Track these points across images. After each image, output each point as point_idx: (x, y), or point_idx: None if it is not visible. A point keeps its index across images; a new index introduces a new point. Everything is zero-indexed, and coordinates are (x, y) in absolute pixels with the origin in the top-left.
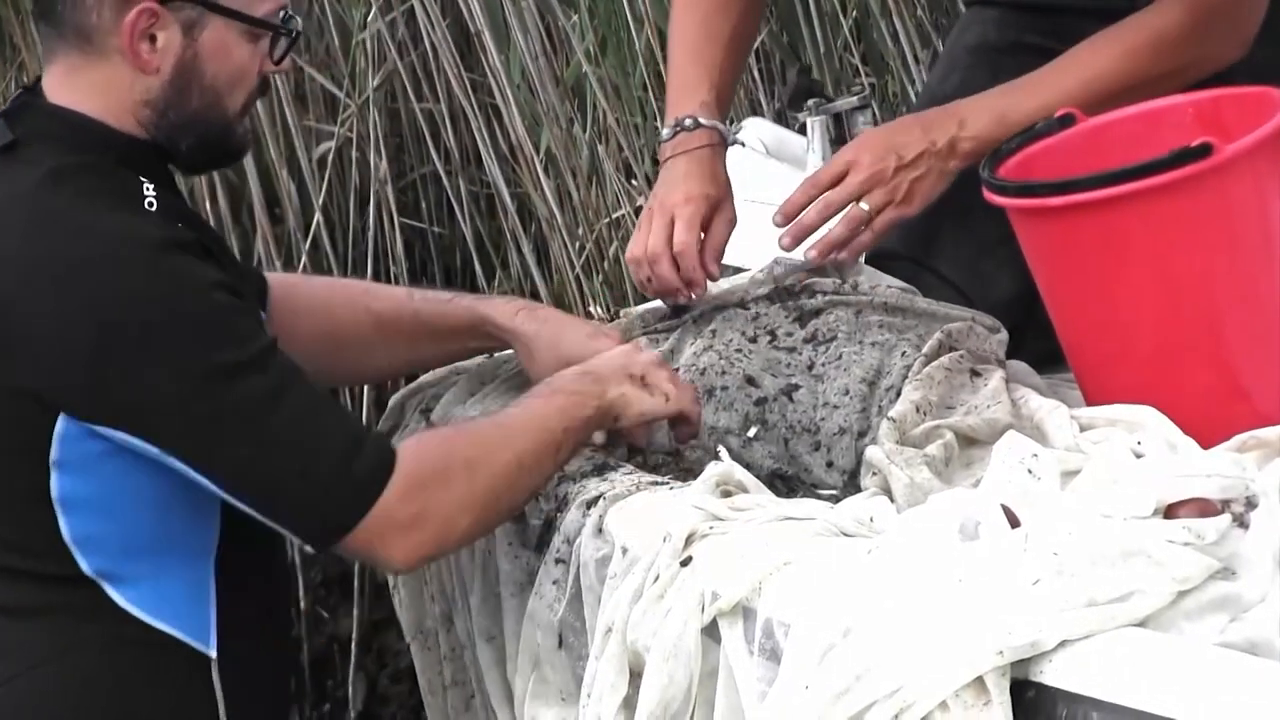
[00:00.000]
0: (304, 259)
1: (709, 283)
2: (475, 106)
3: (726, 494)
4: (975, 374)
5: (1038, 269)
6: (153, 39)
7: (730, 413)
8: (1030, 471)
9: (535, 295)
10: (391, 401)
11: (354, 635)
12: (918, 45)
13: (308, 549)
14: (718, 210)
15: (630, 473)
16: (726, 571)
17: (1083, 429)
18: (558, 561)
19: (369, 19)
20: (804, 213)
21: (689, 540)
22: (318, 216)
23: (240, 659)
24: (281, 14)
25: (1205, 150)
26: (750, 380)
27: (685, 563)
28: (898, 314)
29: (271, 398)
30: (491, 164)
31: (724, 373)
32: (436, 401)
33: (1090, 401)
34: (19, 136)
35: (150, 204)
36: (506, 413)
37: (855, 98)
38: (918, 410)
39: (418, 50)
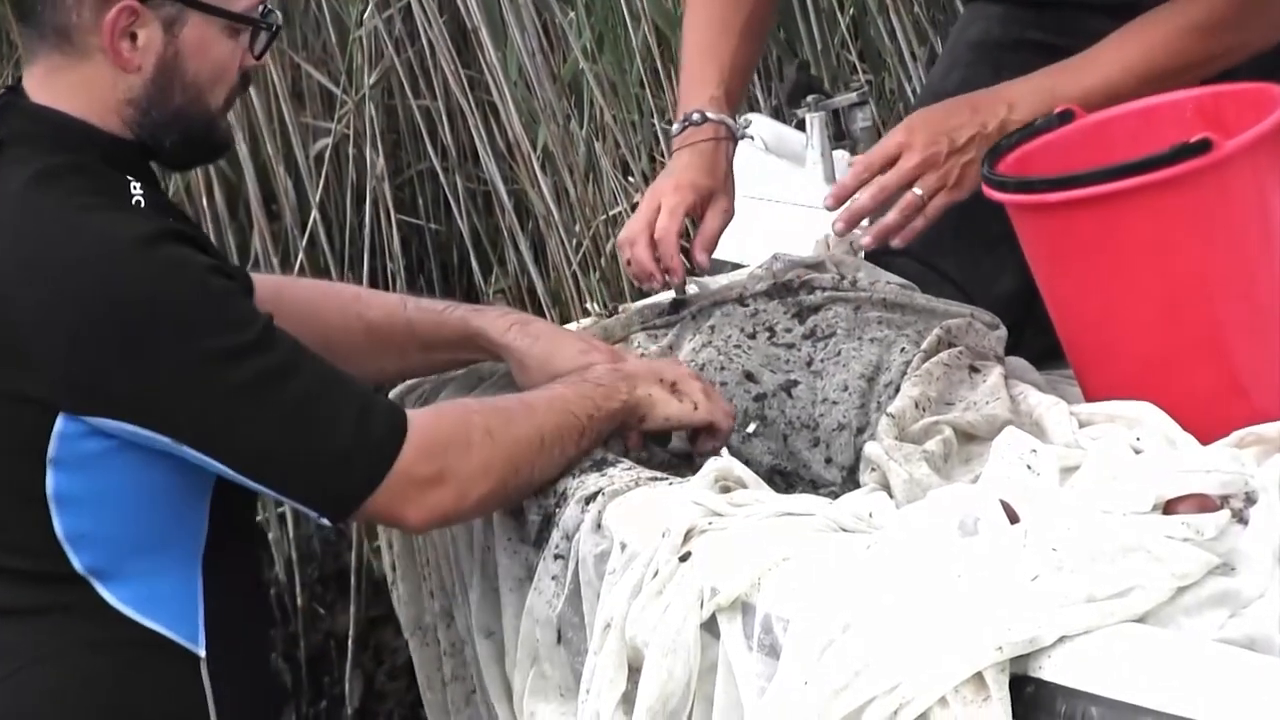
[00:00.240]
0: (301, 256)
1: (709, 279)
2: (472, 103)
3: (725, 489)
4: (974, 370)
5: (1037, 265)
6: (133, 37)
7: (730, 406)
8: (1029, 467)
9: (532, 292)
10: (392, 395)
11: (351, 632)
12: (915, 42)
13: (324, 521)
14: (711, 201)
15: (629, 468)
16: (725, 567)
17: (1082, 425)
18: (556, 557)
19: (366, 15)
20: (856, 196)
21: (688, 536)
22: (314, 213)
23: (228, 658)
24: (261, 8)
25: (1205, 146)
26: (749, 376)
27: (684, 558)
28: (897, 310)
29: (279, 375)
30: (488, 161)
31: (723, 368)
32: (437, 395)
33: (1089, 397)
34: (3, 138)
35: (138, 202)
36: (533, 392)
37: (854, 94)
38: (917, 406)
39: (414, 47)
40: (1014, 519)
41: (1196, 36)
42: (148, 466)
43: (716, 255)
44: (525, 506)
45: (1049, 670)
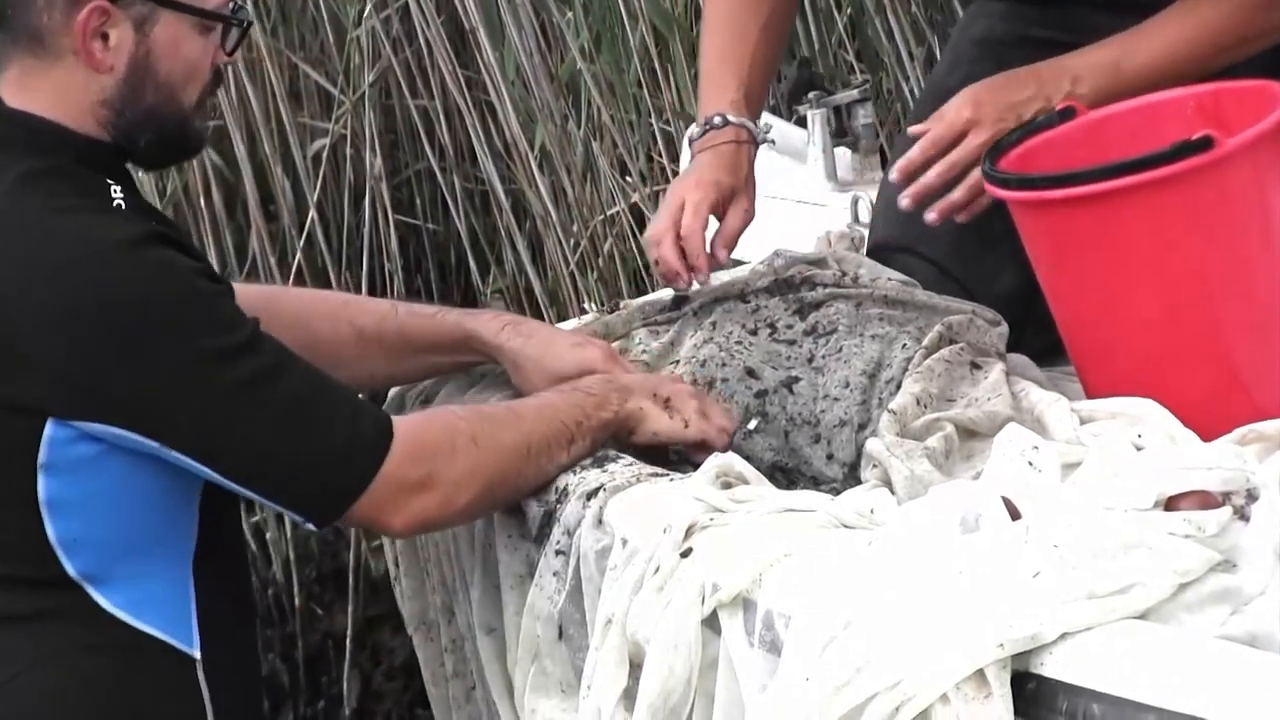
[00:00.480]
0: (298, 256)
1: (711, 274)
2: (470, 103)
3: (727, 486)
4: (975, 367)
5: (1038, 262)
6: (105, 37)
7: (730, 404)
8: (1031, 464)
9: (530, 292)
10: (391, 394)
11: (348, 632)
12: (912, 42)
13: (310, 527)
14: (733, 199)
15: (630, 464)
16: (727, 563)
17: (1083, 422)
18: (558, 553)
19: (364, 15)
20: (926, 174)
21: (689, 532)
22: (312, 213)
23: (223, 659)
24: (231, 4)
25: (1206, 143)
26: (750, 372)
27: (685, 554)
28: (898, 307)
29: (268, 377)
30: (486, 161)
31: (724, 365)
32: (436, 393)
33: (1090, 394)
34: None
35: (118, 204)
36: (523, 400)
37: (855, 90)
38: (918, 403)
39: (412, 47)
40: (1015, 515)
41: (1255, 10)
42: (137, 470)
43: None
44: (525, 503)
45: (1050, 667)
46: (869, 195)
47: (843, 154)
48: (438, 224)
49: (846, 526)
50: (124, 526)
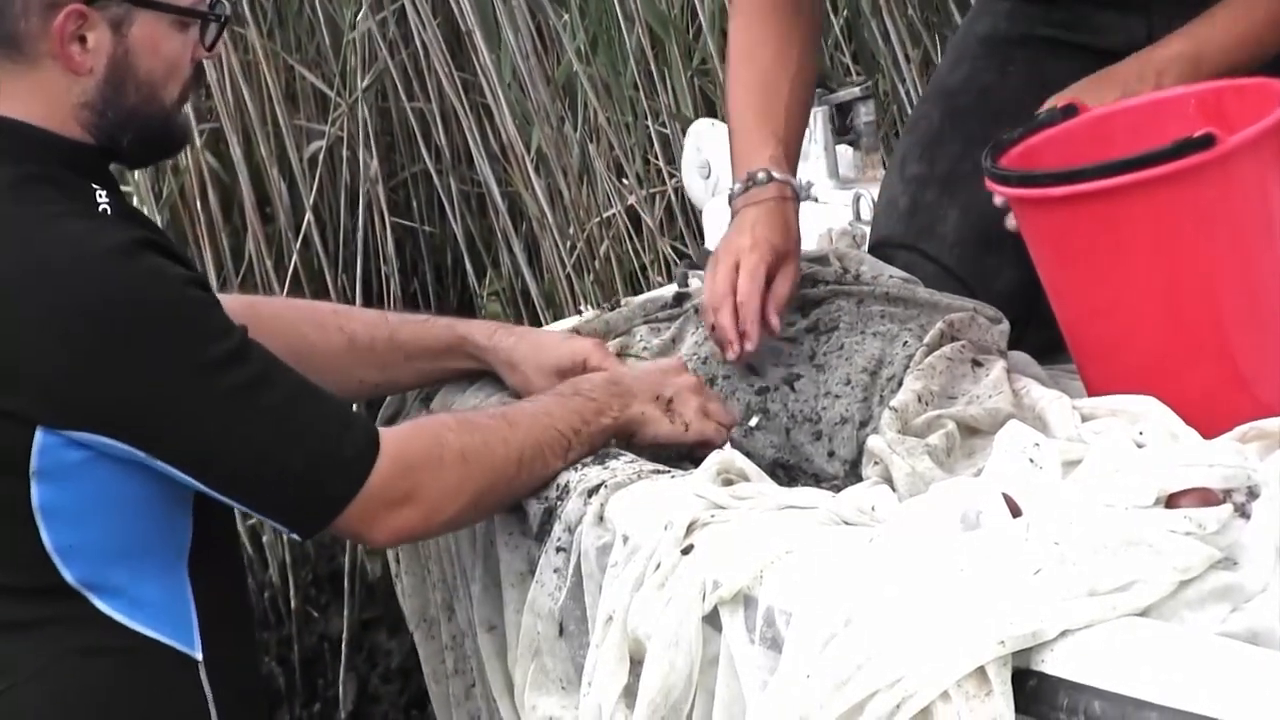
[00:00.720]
0: (295, 258)
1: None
2: (466, 106)
3: (728, 482)
4: (977, 364)
5: (1040, 259)
6: (83, 40)
7: (732, 402)
8: (1032, 461)
9: (526, 294)
10: (390, 396)
11: (344, 635)
12: (908, 44)
13: (294, 537)
14: (784, 262)
15: (631, 461)
16: (728, 560)
17: (1084, 419)
18: (559, 550)
19: (360, 18)
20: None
21: (690, 528)
22: (308, 216)
23: (225, 659)
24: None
25: (1208, 141)
26: (752, 369)
27: (686, 551)
28: (899, 304)
29: (256, 387)
30: (482, 163)
31: (726, 362)
32: (437, 390)
33: (1092, 392)
34: None
35: (105, 210)
36: (519, 406)
37: (858, 88)
38: (919, 400)
39: (408, 49)
40: (1016, 513)
41: None
42: (127, 476)
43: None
44: (526, 500)
45: (1051, 664)
46: (870, 193)
47: (844, 151)
48: (434, 226)
49: (847, 523)
50: (118, 532)
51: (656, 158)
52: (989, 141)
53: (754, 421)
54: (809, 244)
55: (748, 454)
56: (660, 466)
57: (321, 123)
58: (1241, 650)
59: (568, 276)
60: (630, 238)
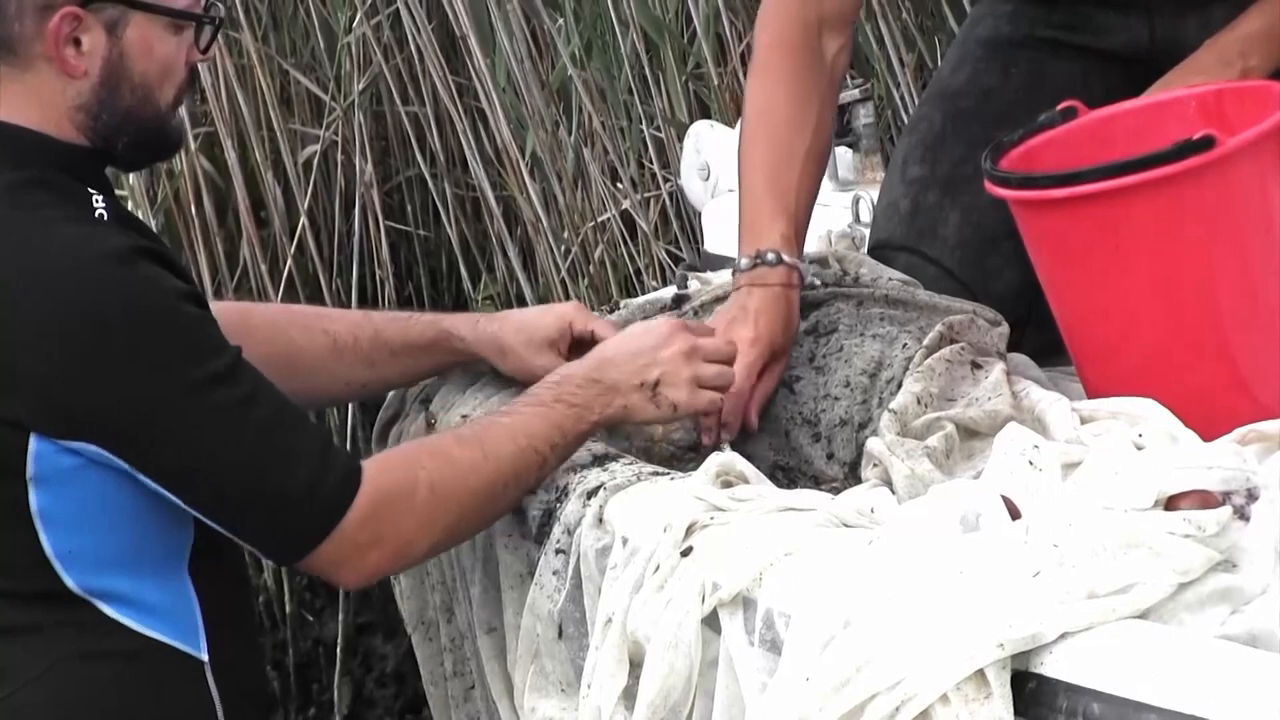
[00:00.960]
0: (289, 262)
1: (711, 274)
2: (461, 110)
3: (727, 484)
4: (976, 366)
5: (1039, 261)
6: (77, 43)
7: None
8: (1031, 463)
9: (520, 298)
10: (391, 393)
11: (339, 639)
12: (903, 48)
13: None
14: (777, 358)
15: (631, 463)
16: (727, 562)
17: (1084, 421)
18: (558, 552)
19: (354, 22)
20: None
21: (689, 530)
22: (303, 220)
23: (231, 660)
24: (204, 2)
25: (1207, 143)
26: None
27: (686, 553)
28: (899, 306)
29: (241, 413)
30: (477, 167)
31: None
32: (436, 390)
33: (1091, 394)
34: None
35: (101, 215)
36: (495, 423)
37: (857, 90)
38: (919, 402)
39: (403, 54)
40: (1016, 515)
41: None
42: (120, 483)
43: (717, 251)
44: (526, 502)
45: (1051, 666)
46: (870, 195)
47: (844, 153)
48: (429, 230)
49: (847, 526)
50: (117, 537)
51: (651, 162)
52: (990, 143)
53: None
54: (808, 246)
55: (747, 456)
56: (660, 468)
57: (316, 127)
58: (1241, 653)
59: (562, 281)
60: (625, 242)
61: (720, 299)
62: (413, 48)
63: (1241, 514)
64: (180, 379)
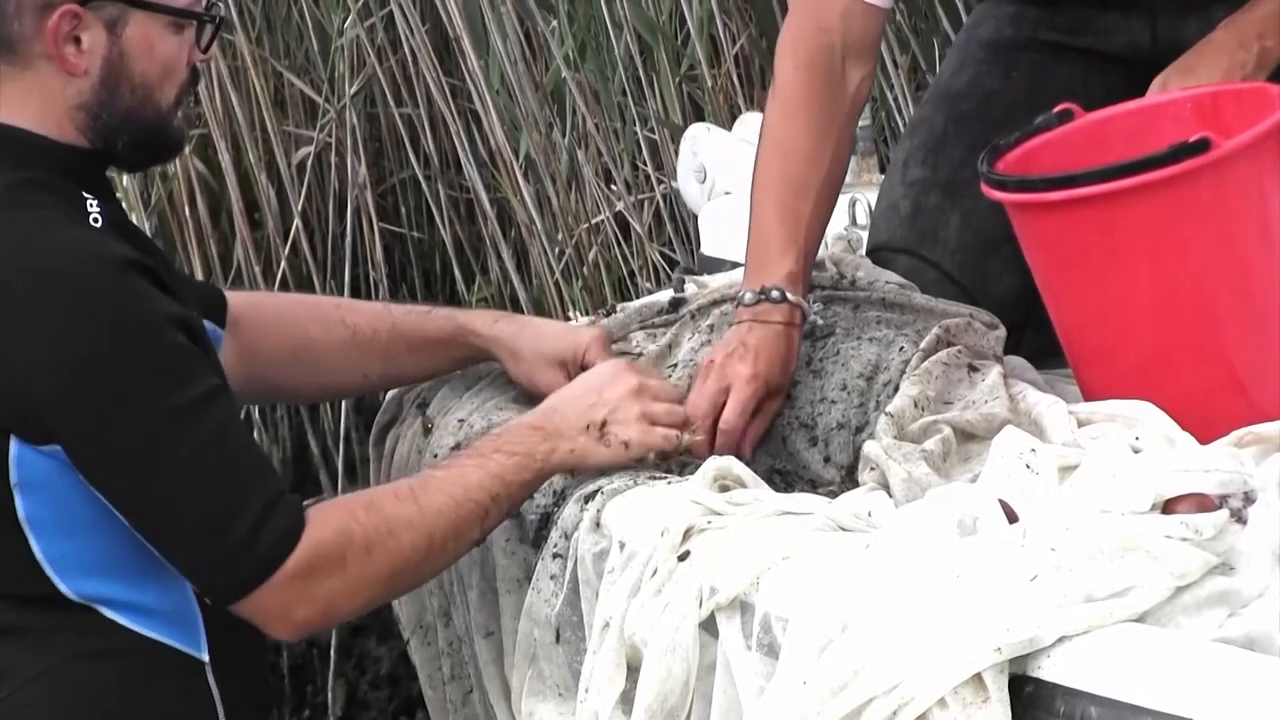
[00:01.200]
0: (283, 264)
1: (708, 277)
2: (454, 112)
3: (724, 488)
4: (973, 369)
5: (1036, 264)
6: (77, 41)
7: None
8: (1028, 467)
9: (515, 300)
10: (388, 396)
11: (333, 641)
12: (896, 50)
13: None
14: (772, 396)
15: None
16: (724, 566)
17: (1081, 424)
18: (555, 556)
19: (348, 24)
20: None
21: (687, 535)
22: (297, 222)
23: (232, 661)
24: (206, 1)
25: (1203, 145)
26: None
27: (683, 557)
28: (896, 309)
29: (194, 452)
30: (471, 169)
31: None
32: (434, 395)
33: (1088, 397)
34: None
35: (95, 219)
36: (432, 476)
37: None
38: (915, 405)
39: (397, 55)
40: (1013, 518)
41: None
42: None
43: (713, 253)
44: (523, 508)
45: (1048, 670)
46: (866, 197)
47: None
48: (422, 232)
49: (844, 529)
50: (105, 542)
51: (645, 164)
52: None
53: None
54: None
55: (744, 460)
56: (657, 473)
57: (310, 129)
58: (1238, 656)
59: (556, 283)
60: (619, 244)
61: (717, 302)
62: (406, 50)
63: (1239, 517)
64: (142, 404)
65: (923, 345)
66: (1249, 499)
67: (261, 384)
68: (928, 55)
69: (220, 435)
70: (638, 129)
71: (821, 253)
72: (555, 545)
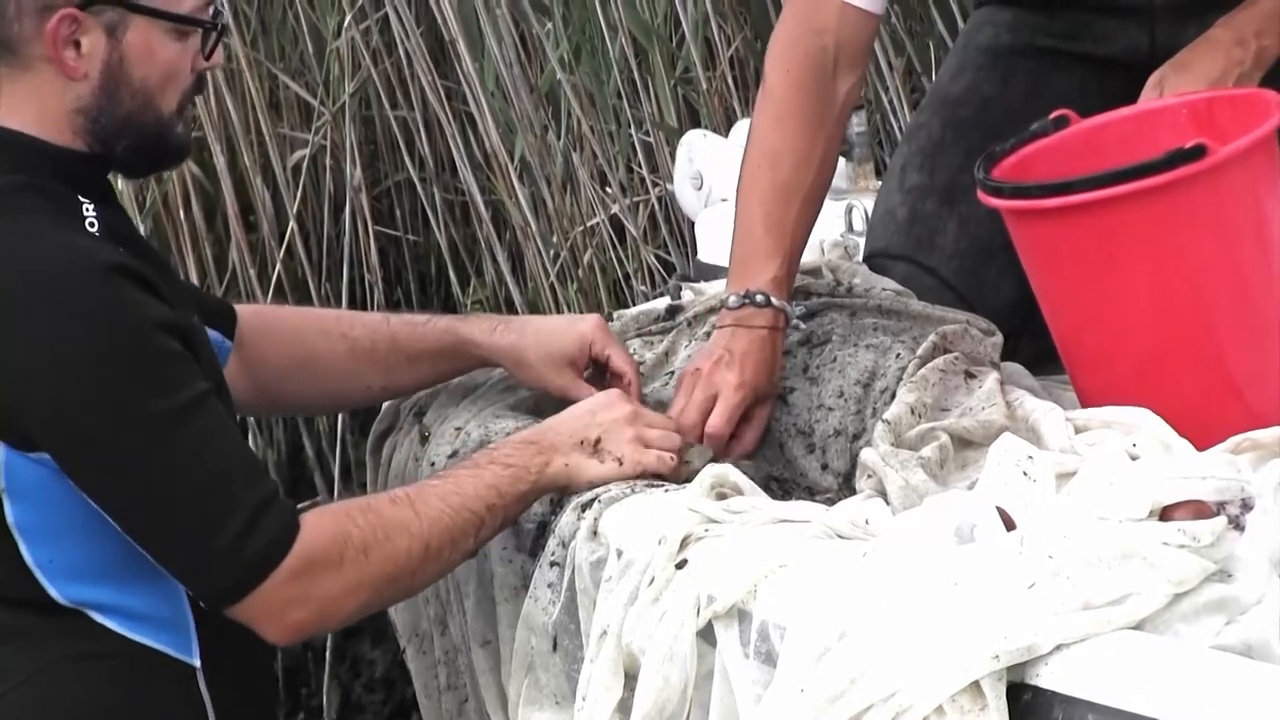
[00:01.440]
0: (278, 267)
1: (705, 284)
2: (450, 114)
3: (722, 496)
4: (970, 376)
5: (1032, 270)
6: (77, 45)
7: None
8: (1025, 474)
9: (510, 303)
10: (385, 407)
11: (328, 644)
12: (891, 52)
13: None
14: (760, 403)
15: None
16: (722, 574)
17: (1078, 431)
18: (552, 565)
19: (343, 26)
20: None
21: (684, 543)
22: (292, 224)
23: (224, 667)
24: (211, 8)
25: (1199, 152)
26: None
27: (680, 565)
28: (893, 316)
29: (182, 456)
30: (466, 171)
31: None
32: (430, 403)
33: (1085, 403)
34: None
35: (91, 224)
36: (429, 485)
37: None
38: (912, 412)
39: (392, 58)
40: (1010, 526)
41: None
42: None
43: (710, 260)
44: (521, 516)
45: (1046, 678)
46: (863, 204)
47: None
48: (418, 235)
49: (841, 537)
50: (95, 548)
51: (640, 166)
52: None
53: None
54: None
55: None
56: (654, 481)
57: (305, 131)
58: (1236, 663)
59: (551, 285)
60: (614, 246)
61: (714, 309)
62: (401, 52)
63: (1236, 524)
64: (128, 408)
65: (920, 352)
66: (1246, 506)
67: (269, 396)
68: (923, 58)
69: (210, 438)
70: (633, 132)
71: (818, 259)
72: (553, 553)
